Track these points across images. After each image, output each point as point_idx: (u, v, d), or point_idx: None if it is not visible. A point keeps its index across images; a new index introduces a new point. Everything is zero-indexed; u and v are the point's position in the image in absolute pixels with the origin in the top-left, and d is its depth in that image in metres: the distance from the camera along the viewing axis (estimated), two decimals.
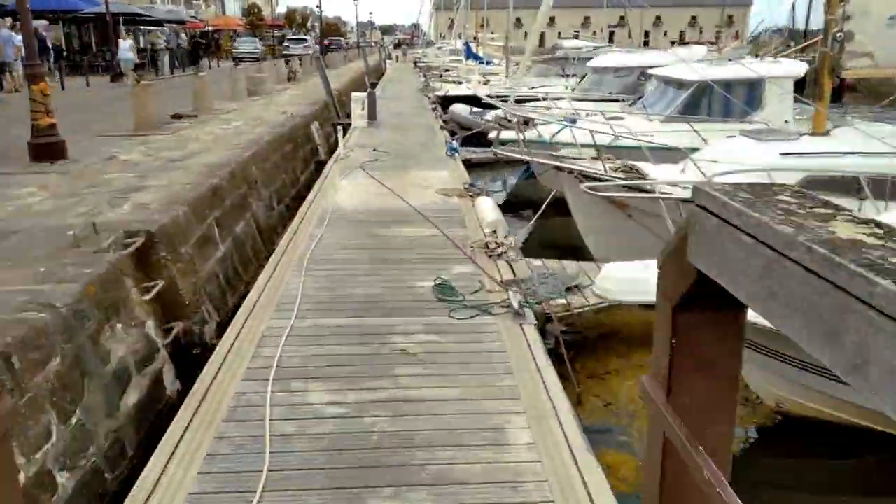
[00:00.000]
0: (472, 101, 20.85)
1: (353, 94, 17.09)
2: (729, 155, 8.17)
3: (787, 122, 12.06)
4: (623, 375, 6.00)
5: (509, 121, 9.83)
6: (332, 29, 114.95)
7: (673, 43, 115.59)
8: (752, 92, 11.99)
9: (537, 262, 7.36)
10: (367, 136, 16.00)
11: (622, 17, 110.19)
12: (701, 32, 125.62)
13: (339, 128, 14.90)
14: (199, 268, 7.05)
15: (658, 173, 8.06)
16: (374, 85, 33.60)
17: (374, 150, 13.86)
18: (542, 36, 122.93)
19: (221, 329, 6.43)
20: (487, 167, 16.09)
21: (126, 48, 22.50)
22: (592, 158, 8.65)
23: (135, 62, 23.30)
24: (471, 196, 10.06)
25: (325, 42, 72.16)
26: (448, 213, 9.24)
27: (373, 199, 10.07)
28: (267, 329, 5.51)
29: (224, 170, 9.06)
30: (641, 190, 7.32)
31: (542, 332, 5.64)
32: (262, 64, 30.93)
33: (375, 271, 6.92)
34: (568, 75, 24.22)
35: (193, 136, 12.44)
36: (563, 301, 6.18)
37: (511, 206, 12.83)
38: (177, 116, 14.78)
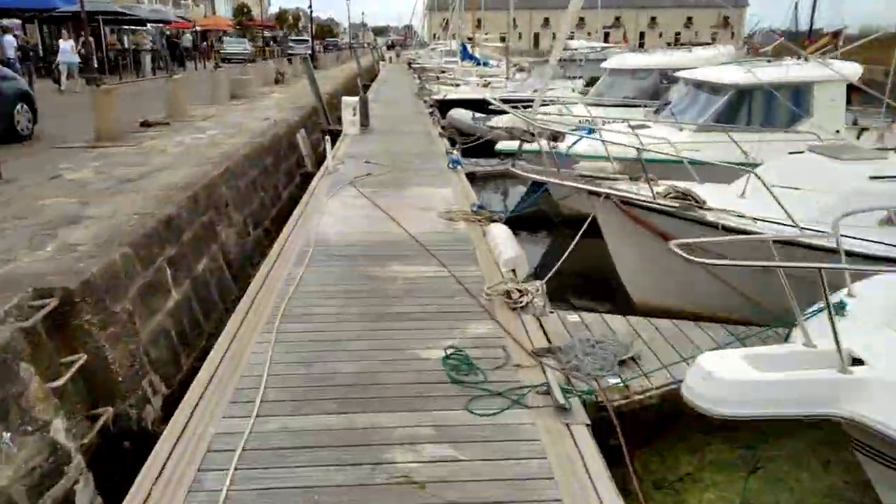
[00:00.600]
0: (474, 105, 19.35)
1: (344, 99, 15.57)
2: (801, 176, 6.67)
3: (837, 131, 10.60)
4: (700, 481, 4.47)
5: (532, 134, 8.27)
6: (324, 30, 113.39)
7: (669, 44, 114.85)
8: (798, 97, 10.51)
9: (573, 318, 5.81)
10: (360, 144, 14.47)
11: (617, 19, 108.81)
12: (697, 34, 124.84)
13: (328, 137, 13.33)
14: (141, 327, 5.49)
15: (717, 199, 6.54)
16: (366, 88, 32.12)
17: (367, 161, 12.31)
18: (536, 37, 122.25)
19: (169, 407, 4.90)
20: (491, 179, 14.57)
21: (67, 49, 20.57)
22: (631, 179, 7.14)
23: (79, 64, 21.26)
24: (480, 222, 8.54)
25: (324, 43, 70.90)
26: (455, 244, 7.71)
27: (364, 225, 8.52)
28: (215, 438, 3.95)
29: (185, 193, 7.50)
30: (729, 229, 5.81)
31: (595, 430, 4.11)
32: (247, 66, 29.34)
33: (368, 333, 5.38)
34: (573, 77, 22.74)
35: (160, 147, 10.86)
36: (616, 380, 4.65)
37: (516, 224, 11.23)
38: (146, 124, 13.19)
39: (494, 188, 14.55)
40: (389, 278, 6.61)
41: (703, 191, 6.91)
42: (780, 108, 10.44)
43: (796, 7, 51.39)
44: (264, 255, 8.02)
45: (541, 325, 5.52)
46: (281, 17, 71.92)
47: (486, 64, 36.87)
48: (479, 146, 14.61)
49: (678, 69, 13.32)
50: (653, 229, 6.53)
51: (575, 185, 6.71)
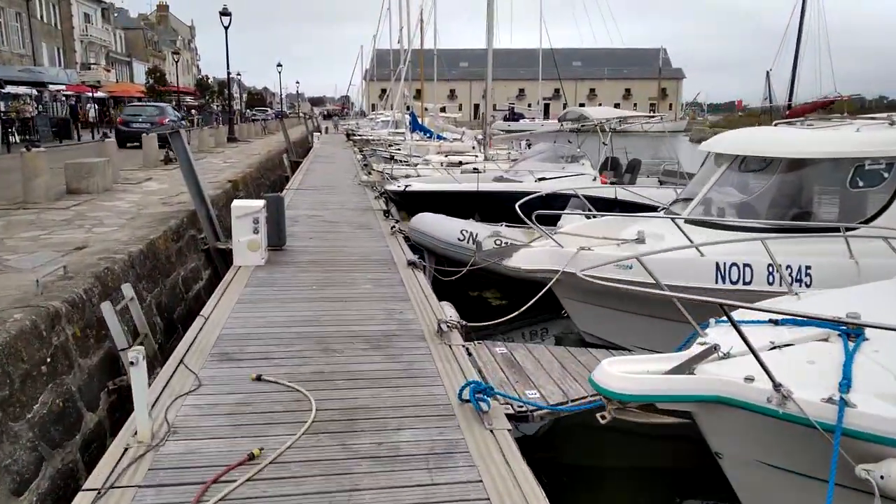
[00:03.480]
0: (450, 201, 12.74)
1: (236, 205, 8.68)
2: None
3: None
4: None
5: None
6: (255, 99, 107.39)
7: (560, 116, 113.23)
8: None
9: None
10: (262, 295, 7.51)
11: (557, 90, 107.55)
12: (635, 106, 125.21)
13: (209, 269, 6.30)
14: None
15: None
16: (296, 166, 25.25)
17: (265, 357, 5.40)
18: (476, 108, 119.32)
19: None
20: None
21: None
22: None
23: None
24: None
25: (251, 111, 64.41)
26: None
27: None
28: None
29: None
30: None
31: None
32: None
33: None
34: (574, 159, 16.37)
35: None
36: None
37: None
38: None
39: None
40: None
41: None
42: None
43: (768, 76, 48.06)
44: None
45: None
46: (202, 83, 64.82)
47: (441, 137, 30.69)
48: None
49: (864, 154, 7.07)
50: None
51: None
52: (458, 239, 9.91)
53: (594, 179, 13.51)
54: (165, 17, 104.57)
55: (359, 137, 36.36)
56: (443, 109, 42.57)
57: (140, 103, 42.49)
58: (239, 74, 76.62)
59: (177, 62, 51.94)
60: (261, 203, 8.79)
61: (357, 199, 15.82)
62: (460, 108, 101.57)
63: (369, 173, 21.70)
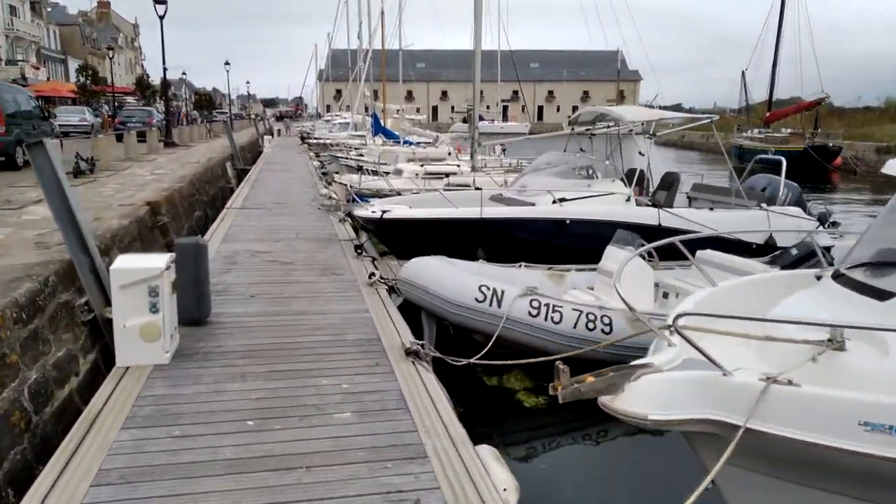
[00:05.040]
0: (448, 233, 9.46)
1: (118, 268, 5.20)
2: None
3: None
4: None
5: None
6: (204, 100, 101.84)
7: (568, 117, 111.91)
8: None
9: None
10: (149, 445, 4.10)
11: (515, 92, 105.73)
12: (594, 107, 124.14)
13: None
14: None
15: None
16: (243, 174, 21.48)
17: None
18: (434, 110, 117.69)
19: None
20: None
21: None
22: None
23: None
24: None
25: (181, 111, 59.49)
26: None
27: None
28: None
29: None
30: None
31: None
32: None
33: None
34: (589, 171, 13.25)
35: None
36: None
37: None
38: None
39: None
40: None
41: None
42: None
43: (743, 75, 46.11)
44: None
45: None
46: (142, 82, 59.69)
47: (408, 142, 27.27)
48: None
49: None
50: None
51: None
52: (478, 300, 6.64)
53: (627, 200, 10.37)
54: (107, 13, 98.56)
55: (315, 141, 32.71)
56: (398, 112, 39.08)
57: (66, 108, 37.93)
58: (184, 74, 71.84)
59: (111, 58, 47.24)
60: (164, 260, 5.32)
61: (317, 222, 12.37)
62: (418, 111, 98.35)
63: (329, 183, 18.25)
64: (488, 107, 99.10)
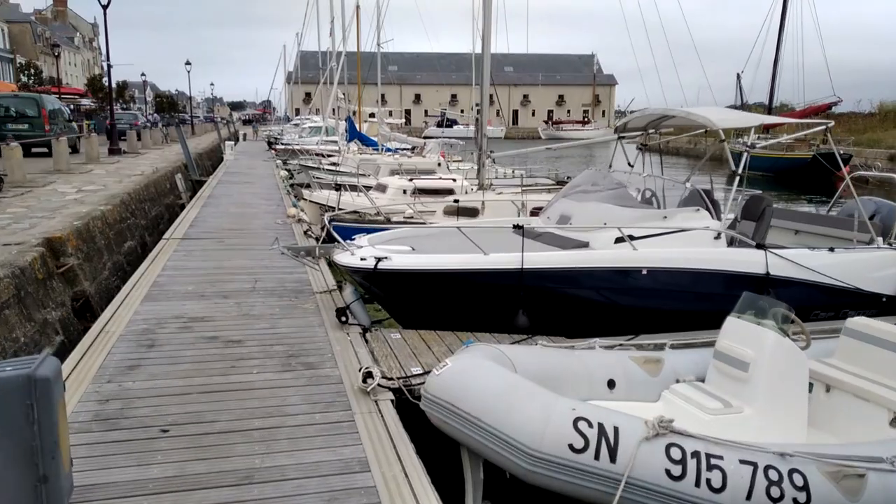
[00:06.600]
0: (475, 288, 6.42)
1: None
2: None
3: None
4: None
5: None
6: (166, 102, 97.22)
7: (546, 122, 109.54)
8: None
9: None
10: None
11: (491, 96, 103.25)
12: (569, 112, 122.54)
13: None
14: None
15: None
16: (198, 185, 17.94)
17: None
18: (407, 113, 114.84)
19: None
20: None
21: None
22: None
23: None
24: None
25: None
26: None
27: None
28: None
29: None
30: None
31: None
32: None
33: None
34: (648, 196, 10.23)
35: None
36: None
37: None
38: None
39: None
40: None
41: None
42: None
43: (739, 78, 43.91)
44: None
45: None
46: (95, 83, 55.27)
47: (387, 150, 24.13)
48: None
49: None
50: None
51: None
52: (574, 448, 3.61)
53: (717, 237, 7.39)
54: (63, 12, 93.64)
55: (283, 147, 29.37)
56: (372, 115, 35.97)
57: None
58: (143, 75, 67.65)
59: (56, 56, 43.21)
60: None
61: (282, 261, 9.19)
62: (391, 114, 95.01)
63: (298, 200, 15.09)
64: (462, 111, 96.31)
